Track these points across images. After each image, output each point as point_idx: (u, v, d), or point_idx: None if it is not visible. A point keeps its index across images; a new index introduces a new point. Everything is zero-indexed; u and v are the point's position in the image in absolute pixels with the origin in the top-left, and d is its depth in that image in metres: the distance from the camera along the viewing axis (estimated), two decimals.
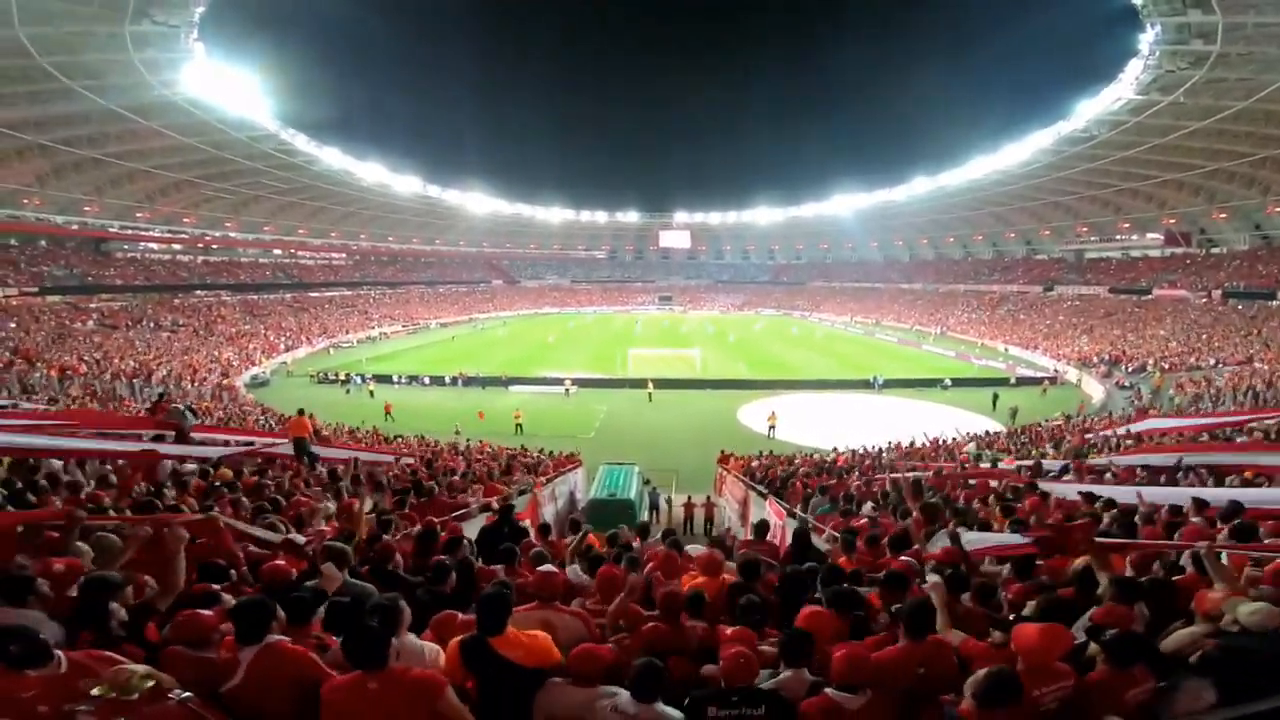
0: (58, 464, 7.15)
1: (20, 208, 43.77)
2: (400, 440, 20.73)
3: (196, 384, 31.33)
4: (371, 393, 35.26)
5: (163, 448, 8.73)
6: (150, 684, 2.24)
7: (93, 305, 43.94)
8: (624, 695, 2.71)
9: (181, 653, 2.70)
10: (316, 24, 77.76)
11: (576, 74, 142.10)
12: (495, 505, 9.59)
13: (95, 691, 2.19)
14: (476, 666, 2.86)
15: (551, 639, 3.11)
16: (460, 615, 3.53)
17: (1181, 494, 6.83)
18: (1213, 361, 34.42)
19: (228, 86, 36.36)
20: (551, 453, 20.54)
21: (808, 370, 43.01)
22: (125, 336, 39.40)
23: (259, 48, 39.51)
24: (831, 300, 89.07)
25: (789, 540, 6.78)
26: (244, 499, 6.66)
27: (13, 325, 34.98)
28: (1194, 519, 5.62)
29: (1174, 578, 3.90)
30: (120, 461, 7.94)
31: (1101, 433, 17.16)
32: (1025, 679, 2.60)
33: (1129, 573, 3.98)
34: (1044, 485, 8.87)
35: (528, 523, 9.14)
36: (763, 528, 7.14)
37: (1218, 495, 6.30)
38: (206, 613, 2.93)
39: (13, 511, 4.65)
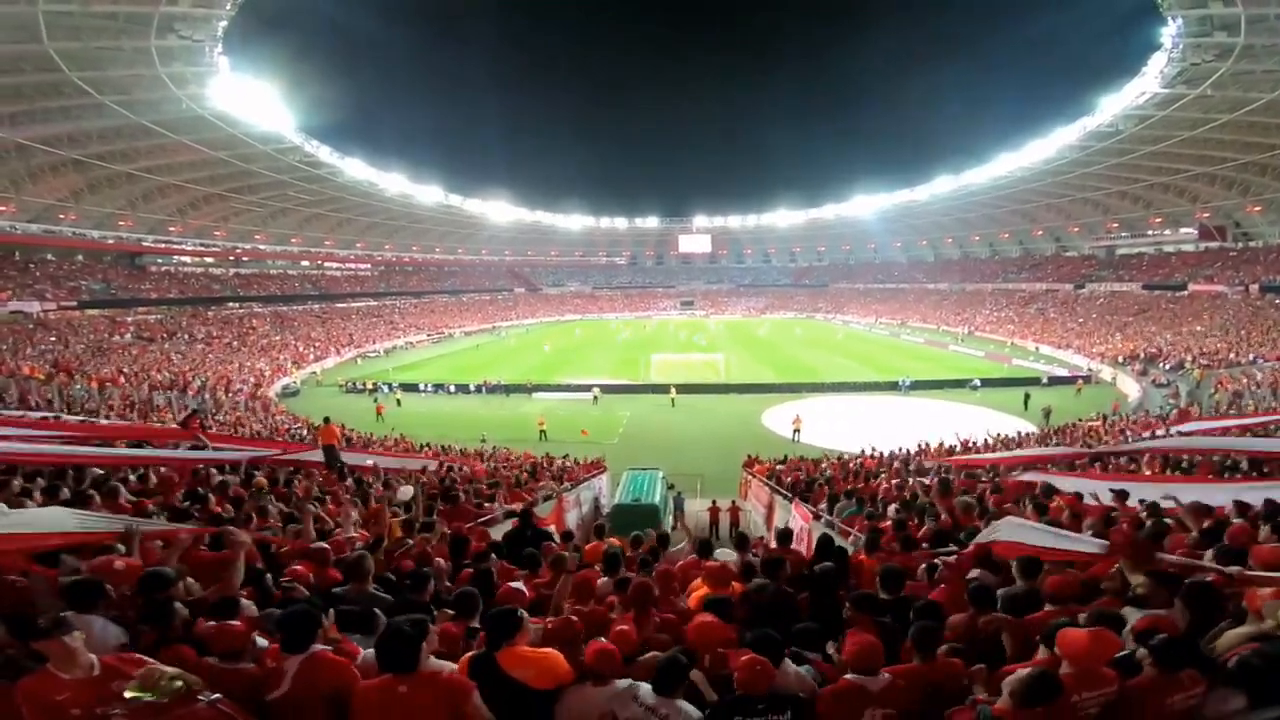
0: (100, 471, 7.33)
1: (57, 223, 45.09)
2: (426, 448, 20.94)
3: (230, 395, 31.99)
4: (399, 401, 35.84)
5: (198, 452, 8.94)
6: (179, 685, 2.28)
7: (129, 319, 45.10)
8: (645, 687, 2.71)
9: (214, 666, 2.71)
10: (337, 36, 79.55)
11: (595, 80, 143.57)
12: (519, 510, 9.67)
13: (127, 694, 2.23)
14: (484, 685, 2.74)
15: (564, 656, 2.94)
16: (460, 628, 3.53)
17: (1220, 492, 6.62)
18: (1252, 357, 33.45)
19: (253, 100, 37.22)
20: (576, 460, 20.60)
21: (833, 373, 42.59)
22: (161, 349, 40.38)
23: (282, 61, 40.56)
24: (855, 302, 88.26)
25: (814, 545, 6.69)
26: (271, 505, 6.80)
27: (52, 339, 36.05)
28: (1235, 520, 5.46)
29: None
30: (163, 469, 8.13)
31: (1143, 434, 16.76)
32: (1070, 682, 2.56)
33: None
34: (1063, 483, 8.65)
35: (552, 528, 9.17)
36: (786, 535, 7.00)
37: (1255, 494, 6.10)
38: (236, 624, 2.93)
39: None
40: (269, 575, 4.15)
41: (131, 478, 7.44)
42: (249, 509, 6.39)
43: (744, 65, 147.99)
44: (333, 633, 3.17)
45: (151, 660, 2.50)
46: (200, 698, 2.31)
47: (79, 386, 27.29)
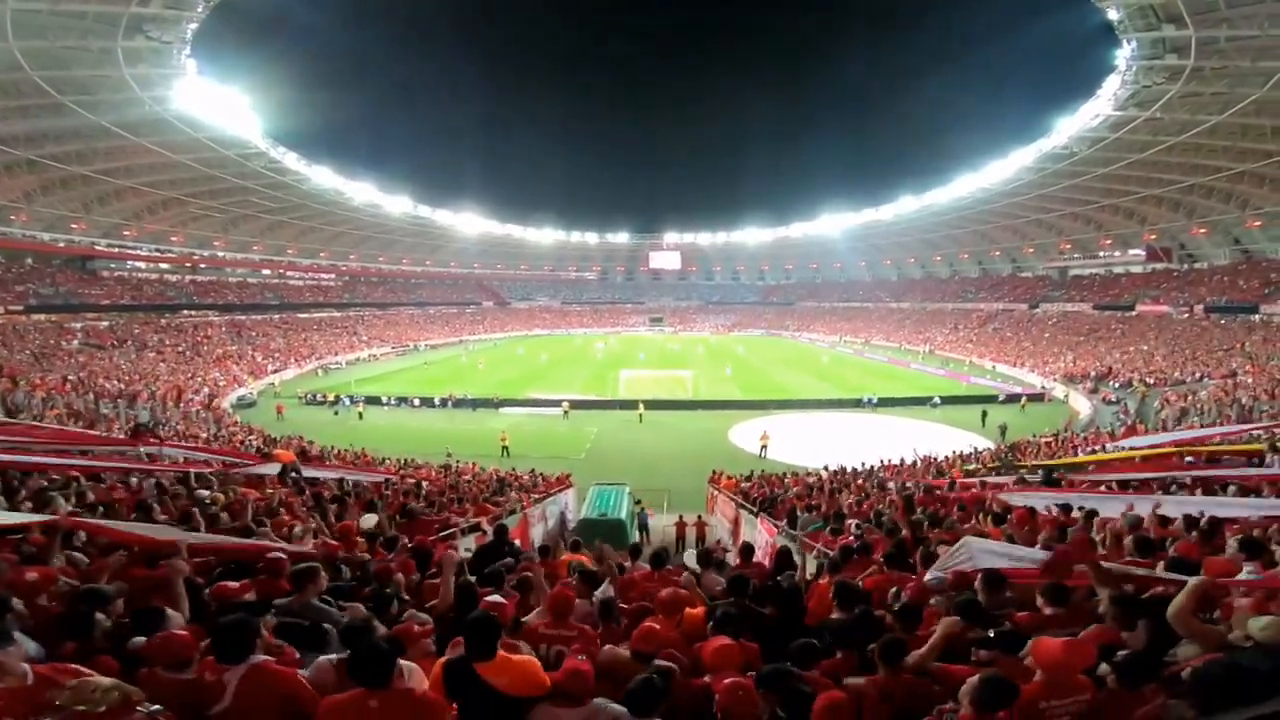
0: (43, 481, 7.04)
1: (8, 224, 43.46)
2: (388, 463, 20.57)
3: (181, 405, 30.98)
4: (360, 414, 35.18)
5: (146, 461, 8.63)
6: (115, 695, 2.19)
7: (78, 324, 43.44)
8: (617, 708, 2.66)
9: (160, 675, 2.63)
10: (308, 42, 78.44)
11: (567, 95, 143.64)
12: (485, 526, 9.54)
13: (58, 701, 2.14)
14: (460, 692, 2.73)
15: (540, 665, 2.96)
16: (418, 628, 3.46)
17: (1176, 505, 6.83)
18: (1196, 375, 34.80)
19: (218, 103, 36.32)
20: (542, 475, 20.42)
21: (799, 390, 43.13)
22: (111, 356, 38.99)
23: (251, 65, 39.73)
24: (821, 320, 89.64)
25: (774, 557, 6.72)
26: (223, 515, 6.60)
27: None
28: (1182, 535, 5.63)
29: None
30: (104, 478, 7.84)
31: (1091, 448, 17.27)
32: (1038, 690, 2.60)
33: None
34: (1015, 498, 8.83)
35: (517, 542, 9.06)
36: (748, 550, 7.03)
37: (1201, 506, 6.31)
38: (183, 634, 2.85)
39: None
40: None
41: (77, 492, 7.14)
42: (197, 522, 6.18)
43: (715, 84, 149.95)
44: (270, 640, 3.08)
45: (87, 670, 2.41)
46: (140, 709, 2.22)
47: (22, 394, 26.17)
